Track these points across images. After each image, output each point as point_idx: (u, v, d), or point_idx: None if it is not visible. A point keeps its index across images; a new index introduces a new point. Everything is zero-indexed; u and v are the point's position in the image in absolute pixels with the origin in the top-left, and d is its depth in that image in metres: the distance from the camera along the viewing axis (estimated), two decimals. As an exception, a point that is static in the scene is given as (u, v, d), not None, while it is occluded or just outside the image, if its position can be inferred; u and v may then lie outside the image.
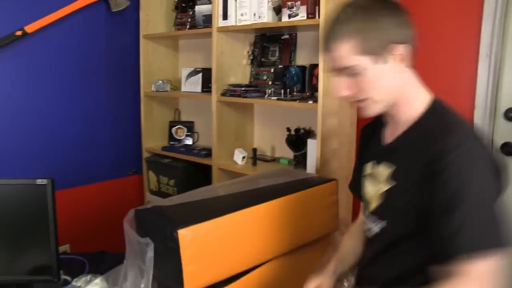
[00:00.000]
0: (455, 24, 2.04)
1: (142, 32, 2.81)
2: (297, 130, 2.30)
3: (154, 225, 1.38)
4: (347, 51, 1.04)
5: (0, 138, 2.34)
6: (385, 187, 1.13)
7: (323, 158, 2.03)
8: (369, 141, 1.29)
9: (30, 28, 2.29)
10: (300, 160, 2.25)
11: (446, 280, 0.93)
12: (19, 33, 2.26)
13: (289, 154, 2.37)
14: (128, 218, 1.45)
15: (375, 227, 1.18)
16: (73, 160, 2.63)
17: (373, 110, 1.11)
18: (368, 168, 1.23)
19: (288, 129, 2.31)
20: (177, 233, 1.25)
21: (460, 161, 0.95)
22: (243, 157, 2.43)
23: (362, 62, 1.04)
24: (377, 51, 1.04)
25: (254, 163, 2.42)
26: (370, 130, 1.31)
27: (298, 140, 2.28)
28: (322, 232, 1.67)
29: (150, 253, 1.35)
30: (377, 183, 1.17)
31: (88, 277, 1.65)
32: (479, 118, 2.02)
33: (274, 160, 2.48)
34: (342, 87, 1.09)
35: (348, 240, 1.39)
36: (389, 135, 1.18)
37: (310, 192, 1.61)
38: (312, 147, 2.12)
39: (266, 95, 2.27)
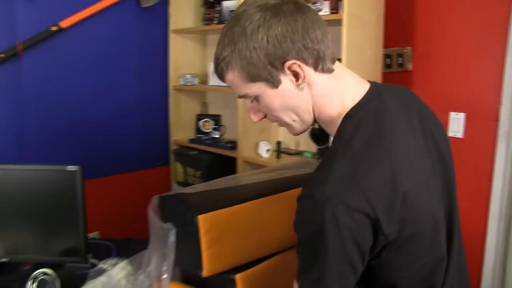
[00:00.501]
0: (483, 17, 2.02)
1: (171, 27, 2.88)
2: (320, 124, 2.32)
3: (176, 211, 1.42)
4: (233, 81, 0.94)
5: (36, 128, 2.45)
6: None
7: (345, 152, 2.05)
8: None
9: (64, 23, 2.39)
10: (324, 153, 2.28)
11: None
12: (54, 28, 2.36)
13: (313, 147, 2.40)
14: (152, 204, 1.50)
15: None
16: (103, 151, 2.72)
17: (294, 131, 1.01)
18: None
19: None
20: (197, 219, 1.28)
21: (299, 206, 0.87)
22: (268, 150, 2.47)
23: (253, 89, 0.93)
24: (264, 75, 0.90)
25: (278, 156, 2.46)
26: None
27: (321, 133, 2.30)
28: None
29: (172, 238, 1.38)
30: None
31: (114, 260, 1.72)
32: (506, 114, 2.00)
33: (298, 153, 2.51)
34: (251, 113, 1.00)
35: None
36: None
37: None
38: (335, 141, 2.14)
39: (290, 89, 2.29)
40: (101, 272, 1.67)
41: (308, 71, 0.91)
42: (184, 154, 2.90)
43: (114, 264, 1.70)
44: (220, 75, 0.96)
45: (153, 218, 1.47)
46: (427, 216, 0.92)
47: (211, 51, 3.01)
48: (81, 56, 2.54)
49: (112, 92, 2.71)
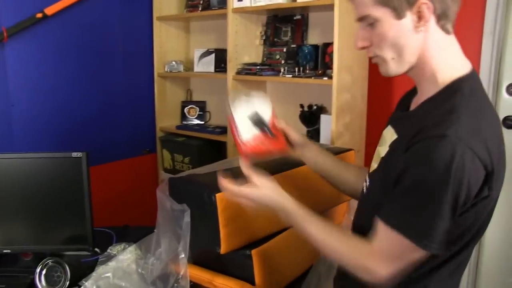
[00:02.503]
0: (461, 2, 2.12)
1: (155, 14, 2.87)
2: (310, 106, 2.39)
3: (190, 191, 1.43)
4: (363, 0, 0.99)
5: (22, 116, 2.40)
6: (384, 153, 1.08)
7: (337, 132, 2.12)
8: (400, 105, 1.23)
9: (49, 10, 2.35)
10: (313, 135, 2.35)
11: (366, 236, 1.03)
12: (39, 15, 2.32)
13: (302, 130, 2.46)
14: (161, 187, 1.51)
15: (366, 191, 1.18)
16: (89, 139, 2.69)
17: (388, 70, 1.04)
18: (386, 129, 1.17)
19: (301, 106, 2.40)
20: (215, 197, 1.32)
21: (427, 146, 0.89)
22: (257, 133, 2.51)
23: (377, 13, 0.97)
24: (395, 3, 0.95)
25: (268, 139, 2.50)
26: (406, 95, 1.22)
27: (310, 116, 2.37)
28: (341, 200, 1.76)
29: (187, 219, 1.40)
30: (383, 145, 1.11)
31: (122, 245, 1.73)
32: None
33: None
34: (358, 38, 1.04)
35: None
36: (414, 103, 1.11)
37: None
38: (326, 122, 2.21)
39: (281, 73, 2.35)
40: (110, 257, 1.68)
41: (431, 19, 0.97)
42: (171, 141, 2.91)
43: (122, 249, 1.72)
44: None
45: (164, 200, 1.48)
46: (500, 186, 1.00)
47: (195, 38, 3.03)
48: (66, 44, 2.50)
49: (98, 79, 2.68)
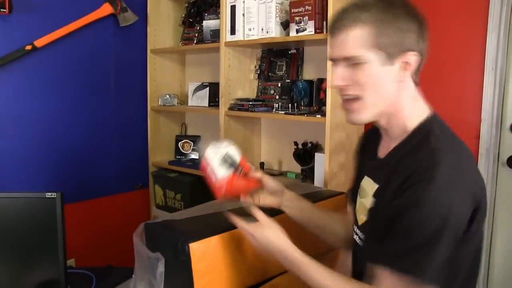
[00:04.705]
0: (461, 39, 2.06)
1: (149, 47, 2.84)
2: (304, 144, 2.31)
3: (164, 239, 1.37)
4: (356, 39, 0.97)
5: (10, 151, 2.35)
6: (369, 205, 1.09)
7: (331, 172, 2.03)
8: (365, 151, 1.24)
9: (39, 42, 2.31)
10: (308, 173, 2.26)
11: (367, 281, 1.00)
12: (28, 47, 2.28)
13: (296, 168, 2.38)
14: (137, 232, 1.45)
15: (361, 242, 1.15)
16: (80, 174, 2.63)
17: (361, 115, 1.03)
18: (363, 180, 1.16)
19: (296, 143, 2.32)
20: (188, 247, 1.25)
21: (419, 190, 0.91)
22: (251, 171, 2.43)
23: (366, 56, 0.97)
24: (388, 50, 0.97)
25: (261, 177, 2.42)
26: (367, 139, 1.25)
27: (305, 154, 2.28)
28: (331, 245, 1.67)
29: (161, 268, 1.34)
30: (366, 197, 1.12)
31: (98, 291, 1.66)
32: (486, 131, 2.03)
33: (281, 174, 2.48)
34: (338, 76, 1.02)
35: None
36: (383, 149, 1.12)
37: (321, 205, 1.61)
38: (320, 161, 2.12)
39: (274, 109, 2.28)
40: (84, 304, 1.60)
41: (412, 70, 1.02)
42: (163, 176, 2.83)
43: (98, 296, 1.64)
44: (342, 26, 0.99)
45: (140, 246, 1.42)
46: (484, 218, 1.02)
47: (190, 71, 2.99)
48: (57, 77, 2.46)
49: (90, 113, 2.63)
